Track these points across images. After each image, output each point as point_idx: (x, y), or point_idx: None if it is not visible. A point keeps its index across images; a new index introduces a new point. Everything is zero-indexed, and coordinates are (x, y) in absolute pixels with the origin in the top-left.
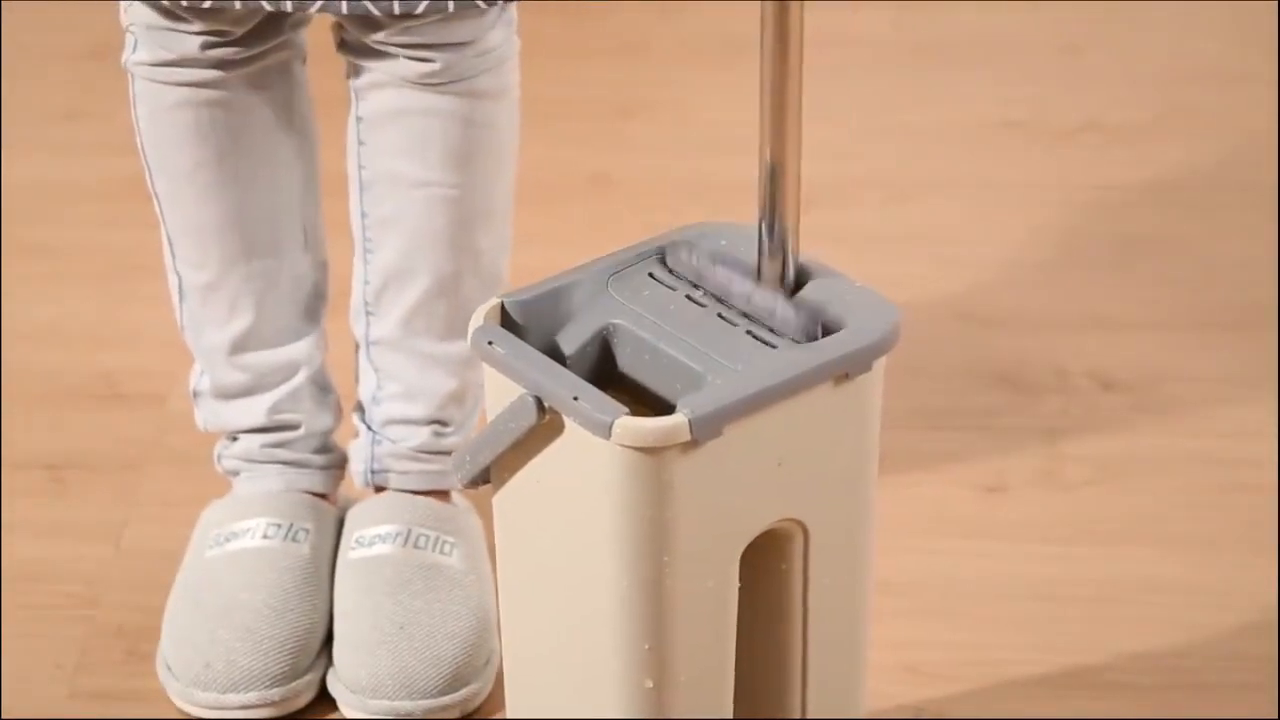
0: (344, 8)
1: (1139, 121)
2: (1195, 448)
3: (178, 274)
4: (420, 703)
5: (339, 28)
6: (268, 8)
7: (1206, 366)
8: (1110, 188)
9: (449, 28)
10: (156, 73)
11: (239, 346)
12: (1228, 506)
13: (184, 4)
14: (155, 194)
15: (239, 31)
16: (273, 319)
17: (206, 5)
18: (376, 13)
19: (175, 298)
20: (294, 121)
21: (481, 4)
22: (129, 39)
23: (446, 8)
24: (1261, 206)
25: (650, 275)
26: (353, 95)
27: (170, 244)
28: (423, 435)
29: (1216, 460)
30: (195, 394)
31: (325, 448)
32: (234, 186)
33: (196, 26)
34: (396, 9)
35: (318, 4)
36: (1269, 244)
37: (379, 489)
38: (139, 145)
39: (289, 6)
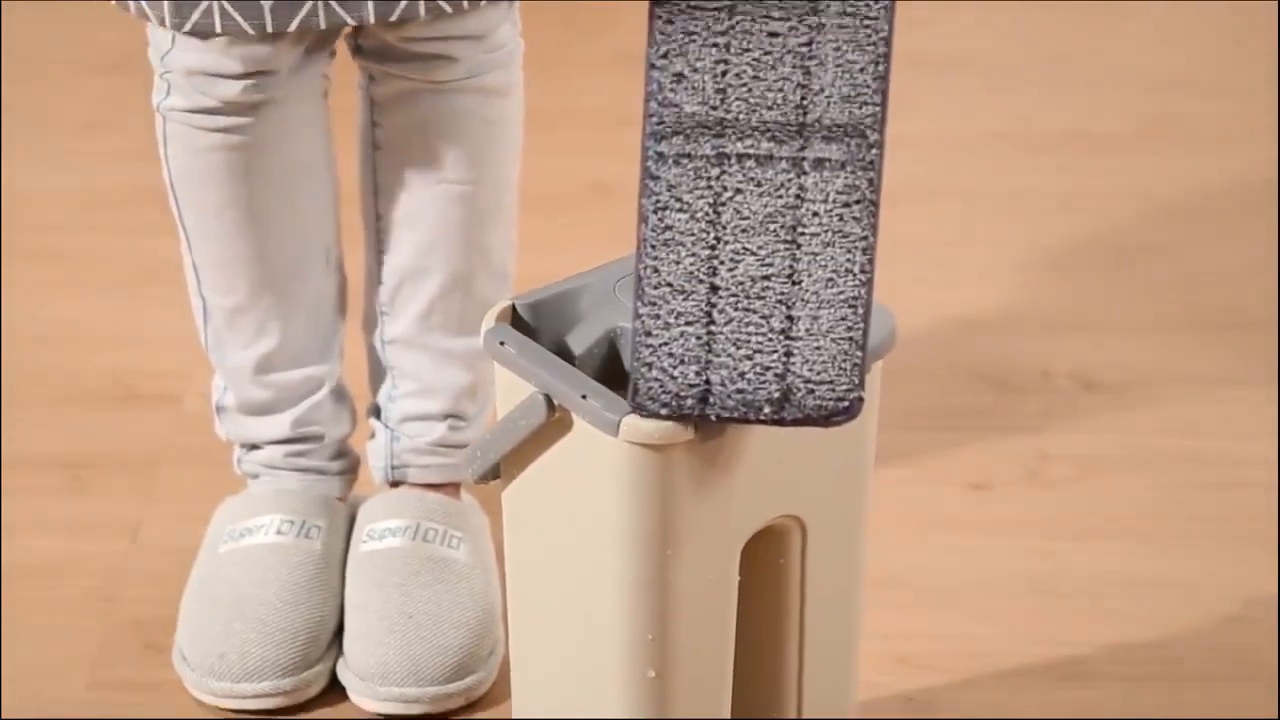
0: (421, 8)
1: (1122, 131)
2: (1176, 446)
3: (203, 298)
4: (427, 690)
5: (355, 34)
6: (350, 22)
7: (1187, 368)
8: (1093, 195)
9: (466, 19)
10: (192, 118)
11: (264, 367)
12: (1207, 503)
13: (250, 26)
14: (182, 225)
15: (283, 68)
16: (296, 339)
17: (292, 29)
18: (423, 14)
19: (199, 319)
20: (319, 153)
21: None
22: (161, 84)
23: None
24: (1241, 213)
25: None
26: (366, 101)
27: (196, 271)
28: (439, 430)
29: (1196, 459)
30: (219, 408)
31: (342, 453)
32: (263, 221)
33: (238, 69)
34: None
35: (402, 4)
36: (1249, 249)
37: (396, 484)
38: (166, 181)
39: (370, 17)
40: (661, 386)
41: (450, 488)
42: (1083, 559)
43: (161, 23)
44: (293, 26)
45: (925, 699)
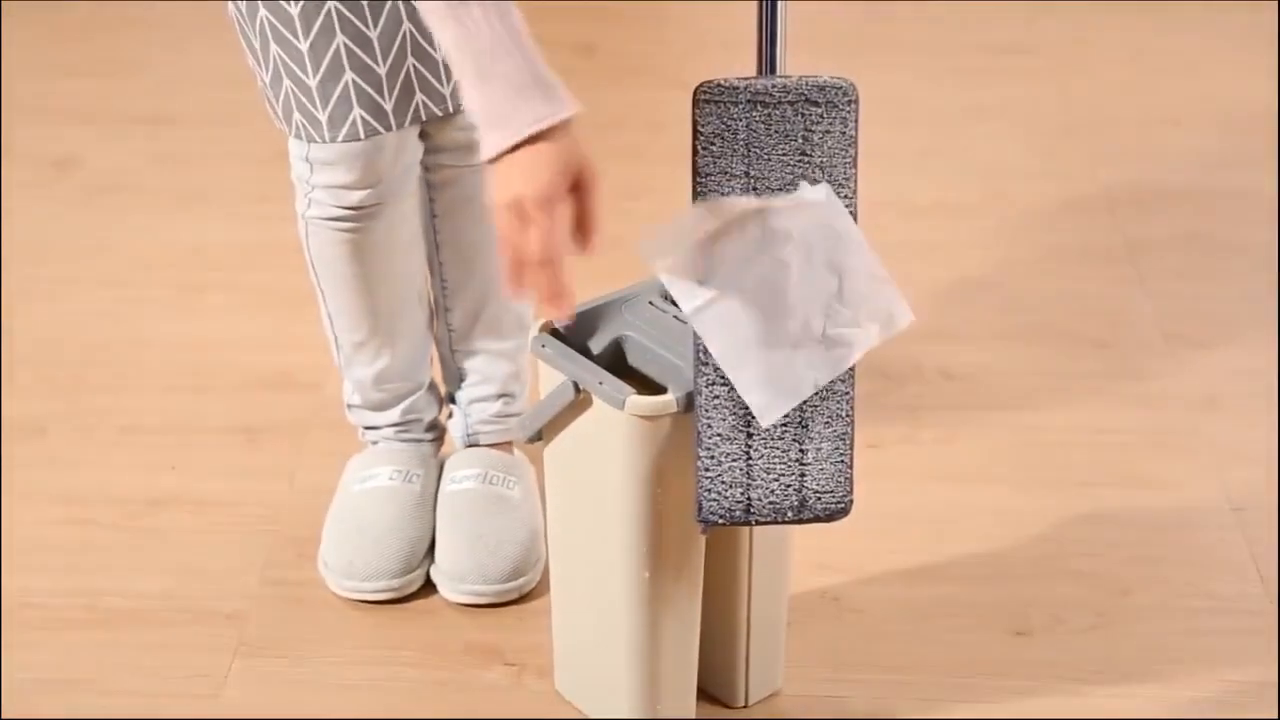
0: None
1: (971, 202)
2: (1007, 418)
3: (335, 335)
4: (492, 587)
5: (421, 135)
6: (438, 113)
7: (1016, 364)
8: (951, 246)
9: None
10: (326, 223)
11: (380, 379)
12: (1028, 457)
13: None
14: (319, 288)
15: (387, 176)
16: (401, 358)
17: (407, 123)
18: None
19: (333, 347)
20: (414, 235)
21: None
22: (304, 199)
23: None
24: (1056, 258)
25: (650, 303)
26: (425, 186)
27: (329, 316)
28: (497, 406)
29: (1021, 427)
30: (349, 405)
31: (433, 426)
32: (376, 284)
33: (360, 182)
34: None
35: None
36: (1057, 283)
37: (470, 445)
38: (308, 260)
39: (450, 107)
40: (718, 504)
41: (506, 446)
42: (942, 494)
43: (322, 139)
44: (407, 120)
45: (837, 590)
